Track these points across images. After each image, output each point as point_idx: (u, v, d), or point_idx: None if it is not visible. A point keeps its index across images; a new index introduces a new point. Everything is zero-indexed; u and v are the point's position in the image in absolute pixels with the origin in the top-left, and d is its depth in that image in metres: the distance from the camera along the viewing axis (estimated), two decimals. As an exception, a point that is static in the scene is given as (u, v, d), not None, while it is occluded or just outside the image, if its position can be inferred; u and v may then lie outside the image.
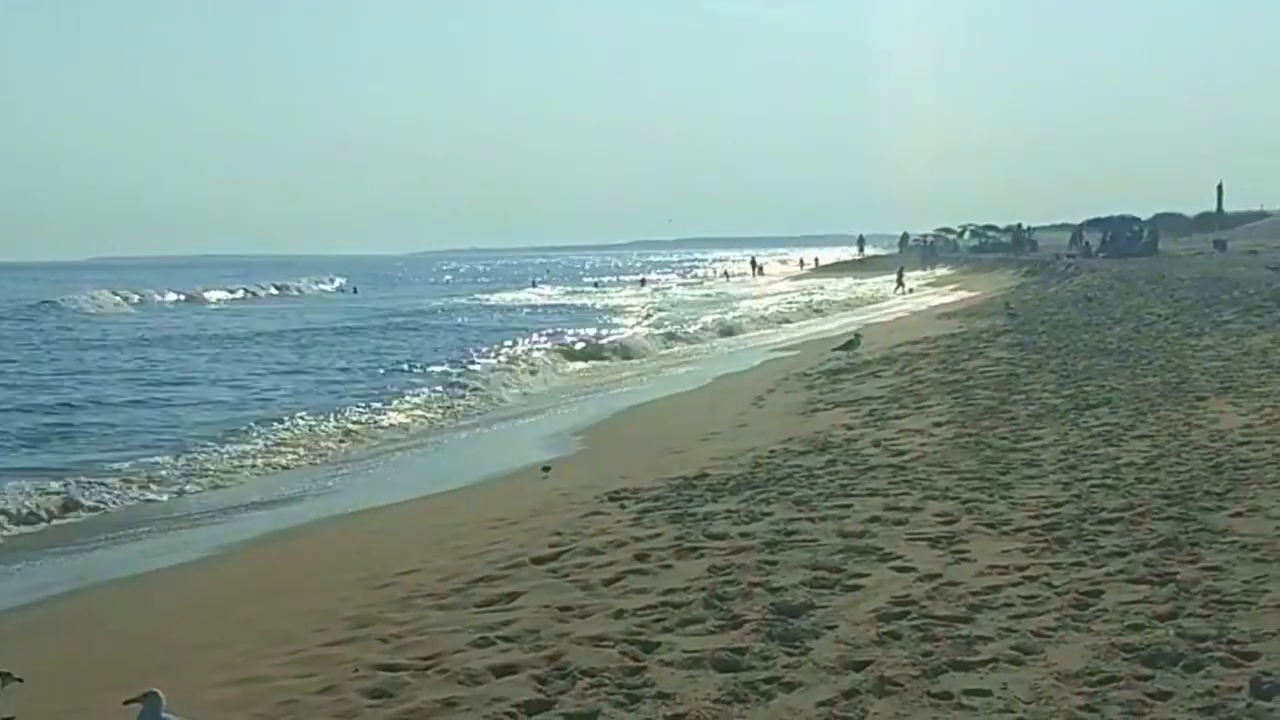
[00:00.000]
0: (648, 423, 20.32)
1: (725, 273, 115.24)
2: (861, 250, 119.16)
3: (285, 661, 8.05)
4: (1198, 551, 8.67)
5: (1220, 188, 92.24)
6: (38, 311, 68.20)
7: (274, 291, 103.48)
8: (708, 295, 78.96)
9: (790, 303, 59.50)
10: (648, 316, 56.02)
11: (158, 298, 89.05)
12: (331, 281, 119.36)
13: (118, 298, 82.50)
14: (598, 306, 69.05)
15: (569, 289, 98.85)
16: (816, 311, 53.47)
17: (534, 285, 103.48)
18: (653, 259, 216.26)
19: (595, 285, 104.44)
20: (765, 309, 54.69)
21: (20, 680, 7.48)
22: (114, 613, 10.51)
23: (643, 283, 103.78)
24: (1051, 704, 6.24)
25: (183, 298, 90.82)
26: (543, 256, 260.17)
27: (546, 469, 15.61)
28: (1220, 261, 53.32)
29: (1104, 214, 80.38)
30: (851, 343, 26.99)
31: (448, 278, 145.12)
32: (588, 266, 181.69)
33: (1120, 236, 72.72)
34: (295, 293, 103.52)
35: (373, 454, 19.91)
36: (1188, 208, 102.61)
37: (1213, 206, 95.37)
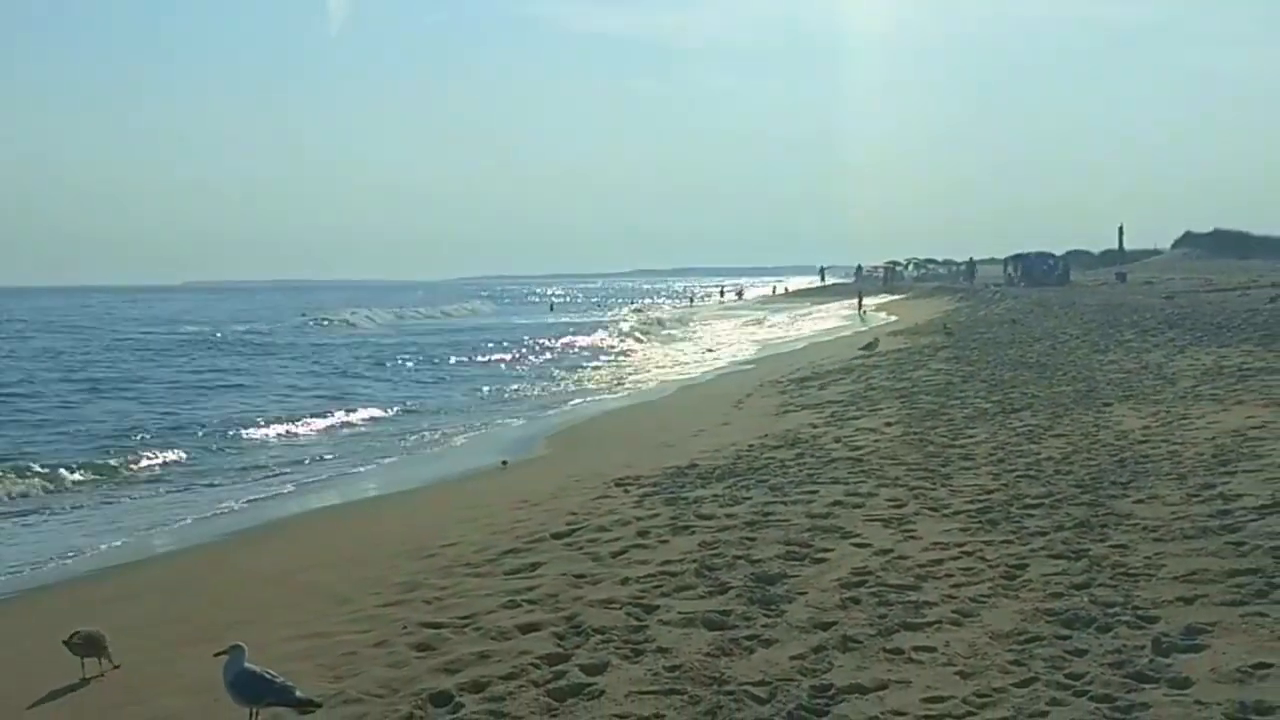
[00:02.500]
0: (644, 420, 20.26)
1: (739, 293, 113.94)
2: (823, 279, 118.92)
3: (345, 620, 8.03)
4: (1106, 532, 8.67)
5: (1121, 229, 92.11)
6: (315, 325, 67.71)
7: (452, 311, 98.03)
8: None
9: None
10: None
11: (386, 315, 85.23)
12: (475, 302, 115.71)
13: (364, 314, 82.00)
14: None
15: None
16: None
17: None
18: (657, 285, 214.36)
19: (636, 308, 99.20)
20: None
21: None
22: (201, 577, 10.47)
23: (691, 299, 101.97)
24: (986, 659, 6.23)
25: (398, 315, 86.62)
26: (556, 284, 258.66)
27: (504, 464, 15.65)
28: (1121, 291, 53.32)
29: (1025, 249, 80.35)
30: (871, 345, 28.51)
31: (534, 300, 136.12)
32: (626, 288, 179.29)
33: (1038, 269, 72.69)
34: (469, 312, 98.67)
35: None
36: (1094, 245, 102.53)
37: (1115, 245, 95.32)
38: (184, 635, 8.06)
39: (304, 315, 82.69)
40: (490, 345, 47.63)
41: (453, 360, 41.07)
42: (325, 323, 71.97)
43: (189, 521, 13.45)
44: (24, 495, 15.38)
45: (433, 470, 16.35)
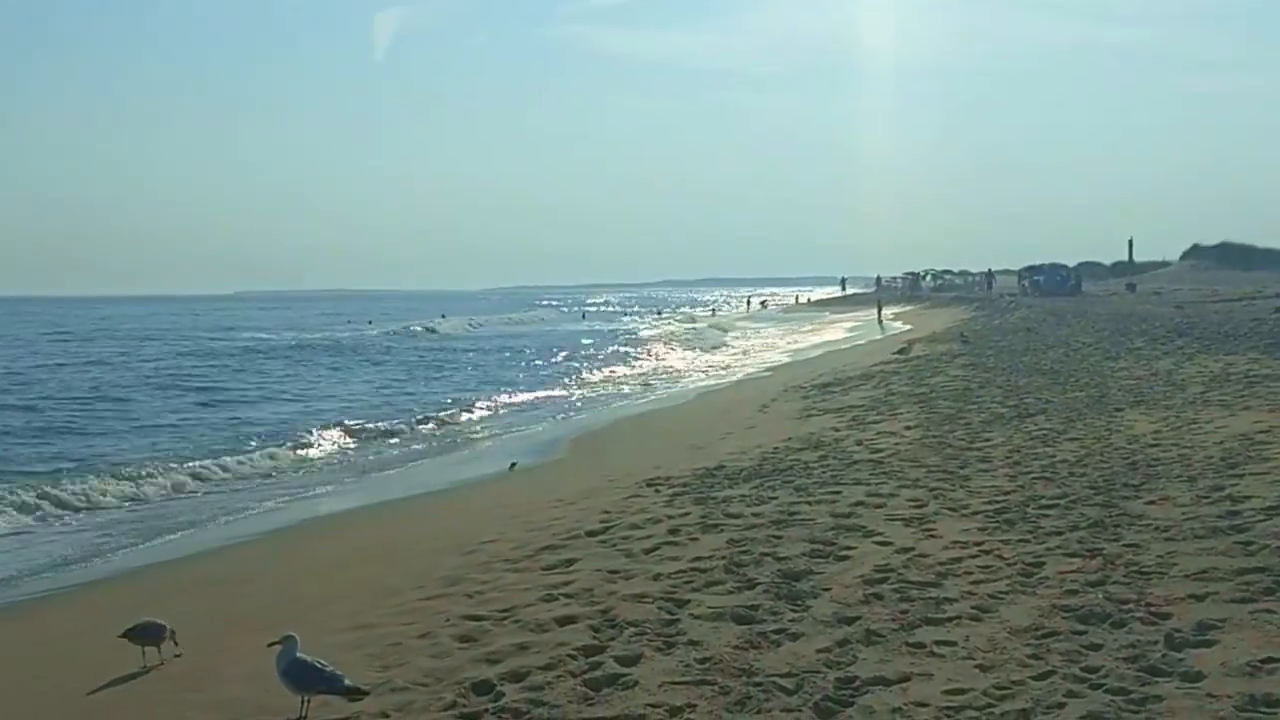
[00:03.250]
0: (675, 422, 20.26)
1: (763, 302, 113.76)
2: (844, 289, 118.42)
3: (391, 612, 8.04)
4: (1120, 532, 8.56)
5: (1131, 242, 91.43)
6: (414, 334, 67.07)
7: (523, 319, 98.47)
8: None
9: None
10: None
11: (475, 321, 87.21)
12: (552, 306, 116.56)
13: (460, 321, 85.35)
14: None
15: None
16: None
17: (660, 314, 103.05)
18: (694, 295, 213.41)
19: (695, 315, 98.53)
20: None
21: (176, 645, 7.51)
22: (255, 571, 10.55)
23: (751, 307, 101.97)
24: (1005, 653, 6.16)
25: (477, 323, 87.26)
26: (591, 294, 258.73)
27: (513, 466, 15.66)
28: (1131, 300, 52.82)
29: (1038, 261, 79.75)
30: (905, 349, 28.91)
31: (590, 308, 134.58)
32: (661, 297, 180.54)
33: (1051, 279, 72.16)
34: (538, 320, 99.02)
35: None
36: (1105, 257, 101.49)
37: (1125, 256, 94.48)
38: (242, 626, 8.12)
39: (370, 322, 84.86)
40: (564, 348, 51.51)
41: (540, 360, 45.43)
42: (414, 330, 71.35)
43: (268, 510, 13.56)
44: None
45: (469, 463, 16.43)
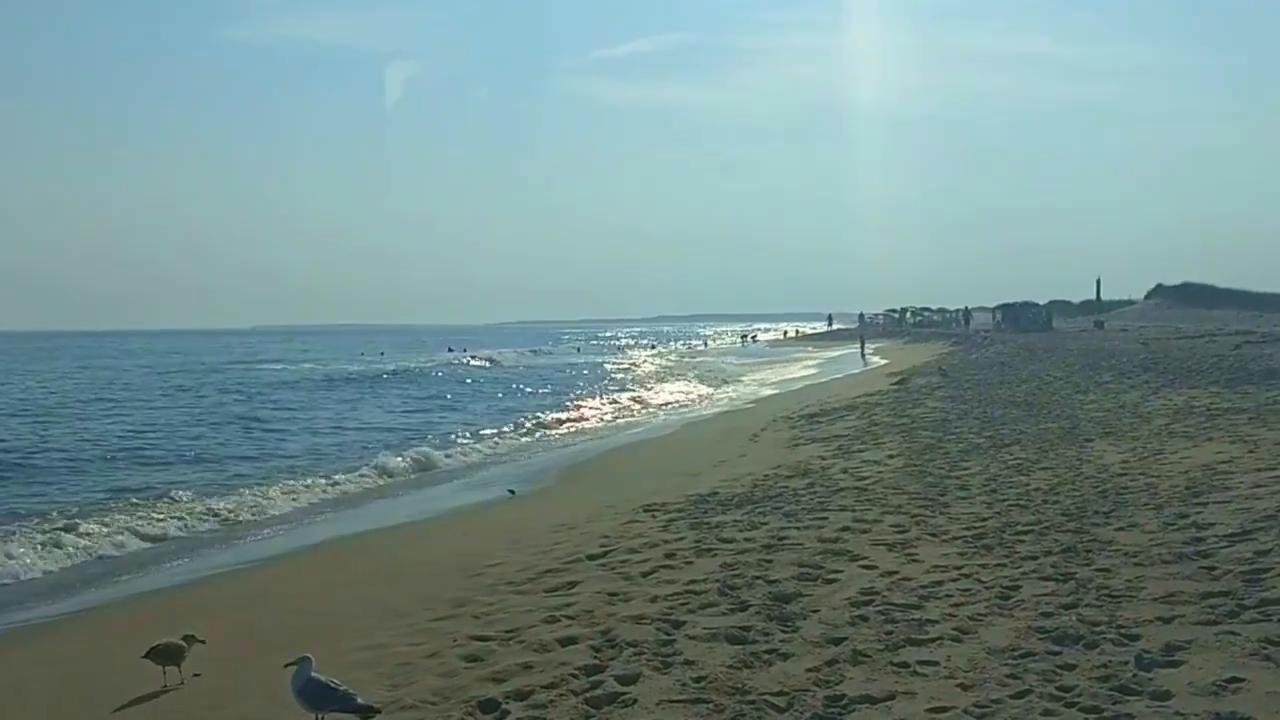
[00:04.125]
0: (670, 451, 20.23)
1: (751, 336, 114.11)
2: (830, 324, 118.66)
3: (401, 632, 8.02)
4: (1091, 557, 8.56)
5: (1099, 281, 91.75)
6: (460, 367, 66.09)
7: (553, 351, 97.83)
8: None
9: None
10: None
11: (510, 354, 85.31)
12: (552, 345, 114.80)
13: (514, 352, 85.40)
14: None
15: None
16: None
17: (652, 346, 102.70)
18: (691, 328, 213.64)
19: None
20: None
21: (203, 642, 7.49)
22: (271, 592, 10.49)
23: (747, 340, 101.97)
24: (985, 672, 6.15)
25: (519, 354, 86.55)
26: (589, 329, 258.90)
27: (512, 492, 15.62)
28: (1099, 337, 52.90)
29: (1012, 299, 79.98)
30: (904, 380, 29.31)
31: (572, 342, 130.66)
32: (661, 331, 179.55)
33: (1024, 316, 72.36)
34: (573, 350, 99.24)
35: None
36: (1074, 295, 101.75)
37: (1093, 295, 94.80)
38: (258, 646, 8.07)
39: (451, 352, 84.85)
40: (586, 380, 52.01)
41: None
42: (473, 361, 71.52)
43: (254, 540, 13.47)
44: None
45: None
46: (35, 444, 25.67)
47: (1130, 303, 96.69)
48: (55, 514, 15.50)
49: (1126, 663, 6.10)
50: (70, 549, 13.26)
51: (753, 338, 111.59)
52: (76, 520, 14.82)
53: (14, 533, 14.01)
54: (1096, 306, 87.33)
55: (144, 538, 14.16)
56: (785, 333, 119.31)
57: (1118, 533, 9.33)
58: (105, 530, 14.26)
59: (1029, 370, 30.32)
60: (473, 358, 74.69)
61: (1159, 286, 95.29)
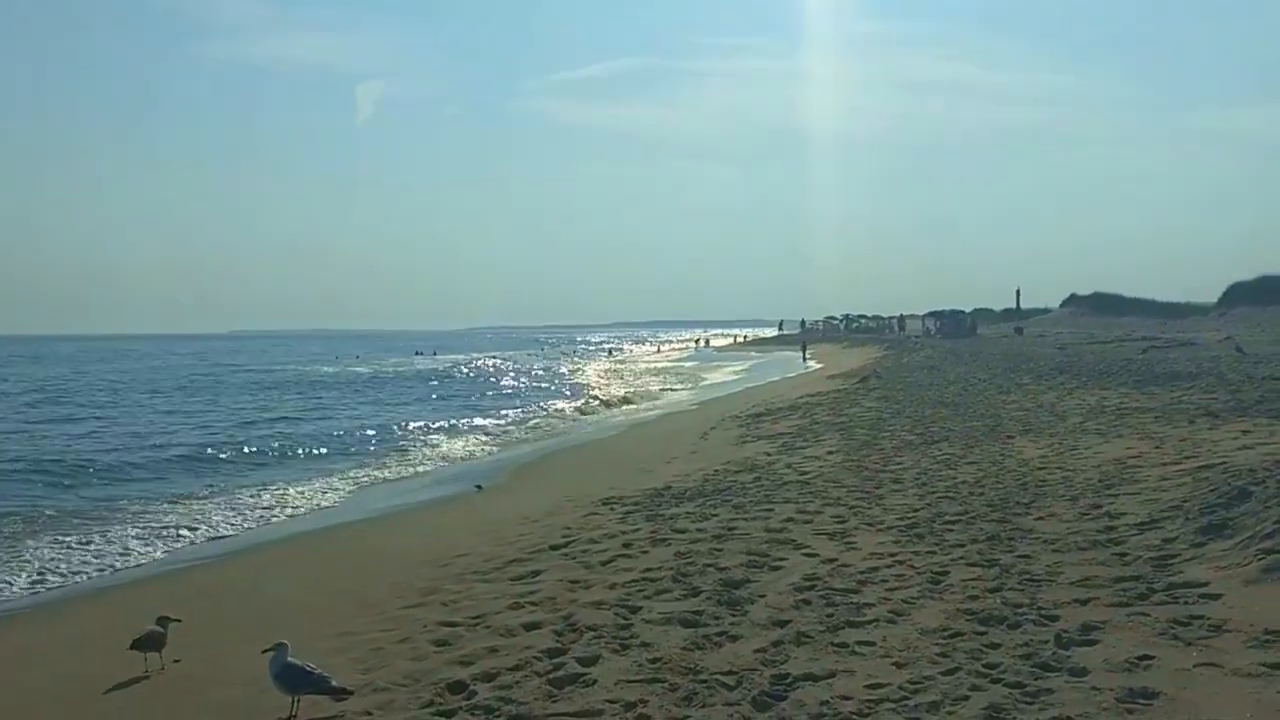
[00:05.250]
0: (625, 448, 20.19)
1: (703, 340, 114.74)
2: (781, 329, 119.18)
3: (373, 620, 7.91)
4: (1014, 544, 8.67)
5: (1018, 291, 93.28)
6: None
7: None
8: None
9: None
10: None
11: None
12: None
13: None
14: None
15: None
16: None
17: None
18: (637, 334, 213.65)
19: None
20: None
21: (179, 620, 7.33)
22: (248, 583, 10.30)
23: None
24: (917, 651, 6.20)
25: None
26: (550, 334, 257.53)
27: (479, 487, 15.52)
28: (1020, 342, 53.78)
29: (940, 307, 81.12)
30: (867, 379, 29.76)
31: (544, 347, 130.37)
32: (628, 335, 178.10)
33: (951, 323, 73.33)
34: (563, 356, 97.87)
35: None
36: (996, 304, 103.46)
37: (1013, 303, 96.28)
38: (235, 635, 7.92)
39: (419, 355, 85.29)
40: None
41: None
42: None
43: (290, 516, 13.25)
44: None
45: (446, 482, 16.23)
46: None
47: (1047, 311, 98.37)
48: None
49: (1047, 642, 6.18)
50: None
51: (706, 342, 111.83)
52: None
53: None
54: (1016, 314, 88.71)
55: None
56: (736, 338, 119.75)
57: (1037, 522, 9.47)
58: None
59: (956, 373, 30.68)
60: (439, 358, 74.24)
61: (1073, 296, 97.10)
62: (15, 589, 11.00)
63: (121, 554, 12.54)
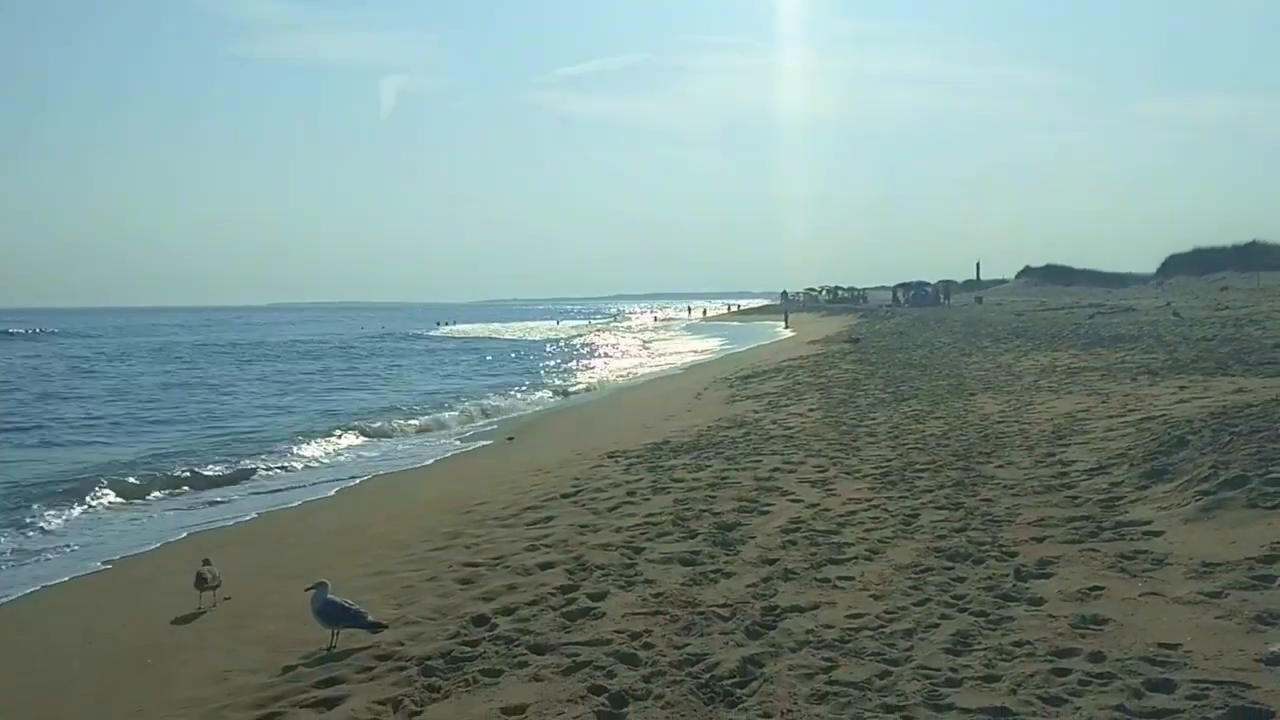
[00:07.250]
0: (627, 407, 20.14)
1: (704, 311, 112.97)
2: (785, 299, 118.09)
3: (404, 561, 7.92)
4: (977, 489, 8.69)
5: (978, 264, 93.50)
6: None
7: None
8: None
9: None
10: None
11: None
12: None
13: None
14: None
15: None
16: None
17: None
18: (638, 305, 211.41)
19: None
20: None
21: (209, 563, 7.30)
22: (292, 530, 10.31)
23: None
24: (892, 585, 6.21)
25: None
26: (565, 305, 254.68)
27: (510, 439, 15.51)
28: (979, 310, 53.73)
29: (909, 279, 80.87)
30: (857, 340, 29.65)
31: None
32: (627, 308, 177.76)
33: (919, 293, 73.17)
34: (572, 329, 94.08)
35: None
36: (959, 275, 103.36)
37: (974, 275, 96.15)
38: (281, 574, 7.93)
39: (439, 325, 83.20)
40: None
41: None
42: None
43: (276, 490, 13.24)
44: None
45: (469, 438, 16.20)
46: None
47: (1004, 281, 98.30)
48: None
49: (1007, 575, 6.20)
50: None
51: (704, 312, 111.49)
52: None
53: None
54: (976, 285, 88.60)
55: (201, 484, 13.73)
56: (730, 306, 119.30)
57: (998, 469, 9.48)
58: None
59: (923, 338, 30.67)
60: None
61: (1027, 268, 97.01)
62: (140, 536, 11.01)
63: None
